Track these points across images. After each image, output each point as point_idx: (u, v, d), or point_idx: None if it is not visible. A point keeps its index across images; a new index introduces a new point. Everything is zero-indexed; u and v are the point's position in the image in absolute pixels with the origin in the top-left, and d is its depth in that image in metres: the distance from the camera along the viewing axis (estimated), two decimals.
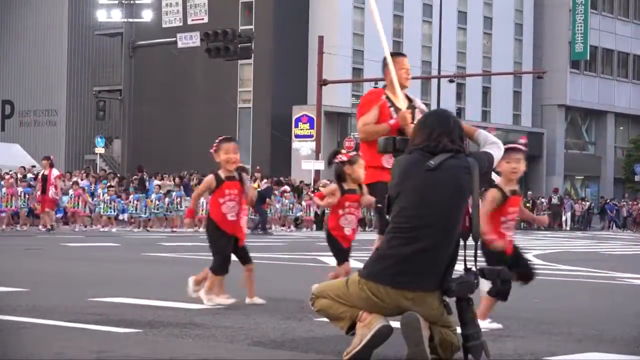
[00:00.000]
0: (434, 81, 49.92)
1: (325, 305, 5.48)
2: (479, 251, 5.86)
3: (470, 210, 5.54)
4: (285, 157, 46.82)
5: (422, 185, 5.38)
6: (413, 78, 43.54)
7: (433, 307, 5.33)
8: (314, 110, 44.08)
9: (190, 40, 39.20)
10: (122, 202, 30.28)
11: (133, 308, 8.02)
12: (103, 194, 29.60)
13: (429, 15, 52.99)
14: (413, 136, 5.63)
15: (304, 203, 35.27)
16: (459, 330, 5.46)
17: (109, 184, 31.03)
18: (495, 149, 5.76)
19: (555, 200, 49.20)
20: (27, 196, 27.53)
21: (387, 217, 5.54)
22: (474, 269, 5.45)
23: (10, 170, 31.02)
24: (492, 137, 5.82)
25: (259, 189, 29.95)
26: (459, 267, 5.45)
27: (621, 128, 64.84)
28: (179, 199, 30.66)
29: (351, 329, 5.43)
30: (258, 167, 34.47)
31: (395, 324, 5.44)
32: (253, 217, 29.72)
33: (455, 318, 5.43)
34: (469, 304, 5.38)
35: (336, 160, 8.37)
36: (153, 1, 43.95)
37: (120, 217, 30.60)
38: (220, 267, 8.30)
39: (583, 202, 53.13)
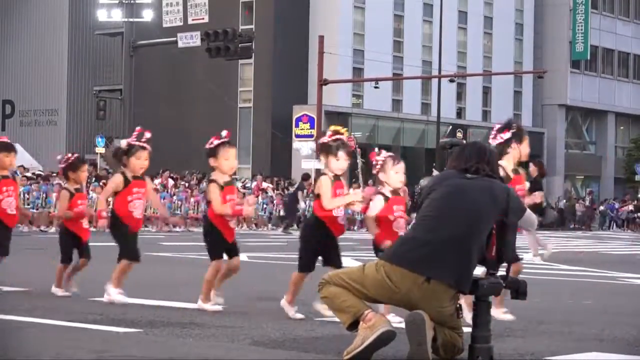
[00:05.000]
0: (434, 81, 49.86)
1: (333, 294, 5.47)
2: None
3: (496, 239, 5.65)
4: (285, 157, 46.80)
5: (458, 184, 5.56)
6: (414, 78, 43.08)
7: (443, 304, 5.33)
8: (314, 110, 44.06)
9: (190, 40, 39.18)
10: None
11: (133, 308, 8.02)
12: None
13: (429, 15, 52.96)
14: (450, 161, 5.83)
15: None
16: (465, 330, 5.46)
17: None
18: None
19: (587, 202, 49.78)
20: (27, 196, 27.68)
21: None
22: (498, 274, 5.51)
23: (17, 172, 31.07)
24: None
25: (292, 190, 30.16)
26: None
27: (622, 128, 64.80)
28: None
29: (352, 326, 5.42)
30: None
31: (396, 324, 5.44)
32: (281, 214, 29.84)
33: (465, 320, 5.44)
34: (488, 307, 5.42)
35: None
36: (153, 1, 43.93)
37: None
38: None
39: (583, 202, 53.19)
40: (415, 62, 52.28)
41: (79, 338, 6.21)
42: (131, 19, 42.93)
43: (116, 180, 8.63)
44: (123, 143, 8.76)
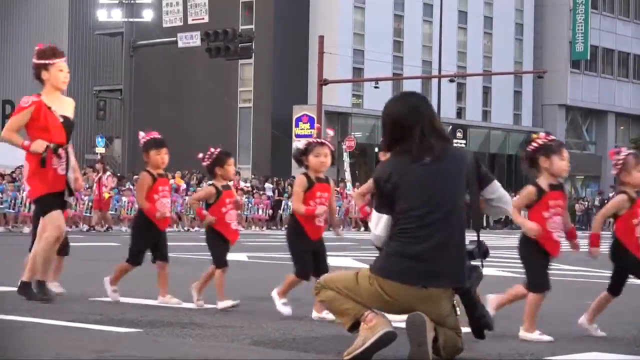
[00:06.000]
0: (434, 81, 49.91)
1: (330, 297, 5.41)
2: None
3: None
4: (285, 157, 46.79)
5: (421, 179, 5.31)
6: (414, 78, 43.08)
7: (441, 307, 5.30)
8: (314, 110, 44.09)
9: (190, 40, 39.22)
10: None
11: (133, 308, 8.02)
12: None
13: (429, 15, 52.99)
14: (388, 137, 5.49)
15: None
16: (464, 330, 5.46)
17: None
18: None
19: (597, 202, 49.80)
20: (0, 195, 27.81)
21: (371, 219, 5.48)
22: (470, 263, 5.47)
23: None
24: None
25: None
26: None
27: (622, 128, 64.85)
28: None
29: (353, 327, 5.38)
30: None
31: (396, 323, 5.43)
32: None
33: (462, 318, 5.44)
34: (470, 292, 5.41)
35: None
36: (153, 1, 43.97)
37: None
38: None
39: (583, 202, 53.19)
40: (415, 62, 52.30)
41: (79, 338, 6.21)
42: (131, 19, 42.97)
43: (301, 180, 7.70)
44: (301, 143, 7.78)
